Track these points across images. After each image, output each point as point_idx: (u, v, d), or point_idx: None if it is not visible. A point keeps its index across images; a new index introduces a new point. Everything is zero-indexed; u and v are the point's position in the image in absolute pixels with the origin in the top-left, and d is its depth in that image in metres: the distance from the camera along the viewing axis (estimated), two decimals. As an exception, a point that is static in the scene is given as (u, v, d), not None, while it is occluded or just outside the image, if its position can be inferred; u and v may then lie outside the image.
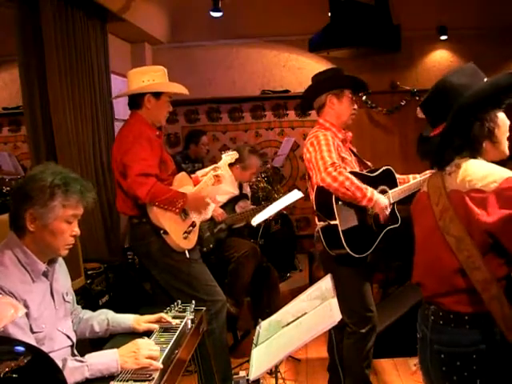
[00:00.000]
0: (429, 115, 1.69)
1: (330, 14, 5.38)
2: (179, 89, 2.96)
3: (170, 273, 2.89)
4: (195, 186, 3.05)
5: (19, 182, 1.83)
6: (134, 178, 2.67)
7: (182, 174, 3.06)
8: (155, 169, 2.75)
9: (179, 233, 2.85)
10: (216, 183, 3.13)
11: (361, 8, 5.35)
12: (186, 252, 2.88)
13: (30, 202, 1.72)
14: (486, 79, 1.61)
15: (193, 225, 2.95)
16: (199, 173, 3.25)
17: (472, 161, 1.57)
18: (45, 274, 1.82)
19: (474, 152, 1.59)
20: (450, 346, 1.56)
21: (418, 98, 6.19)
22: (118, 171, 2.84)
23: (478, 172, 1.52)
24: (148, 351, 1.75)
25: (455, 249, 1.52)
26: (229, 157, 3.33)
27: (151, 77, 2.86)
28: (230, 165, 4.23)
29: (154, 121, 2.91)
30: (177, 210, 2.80)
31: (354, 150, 2.88)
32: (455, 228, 1.52)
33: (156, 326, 2.05)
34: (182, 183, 2.99)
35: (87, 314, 2.11)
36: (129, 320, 2.06)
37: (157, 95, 2.85)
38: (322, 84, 2.79)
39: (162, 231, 2.79)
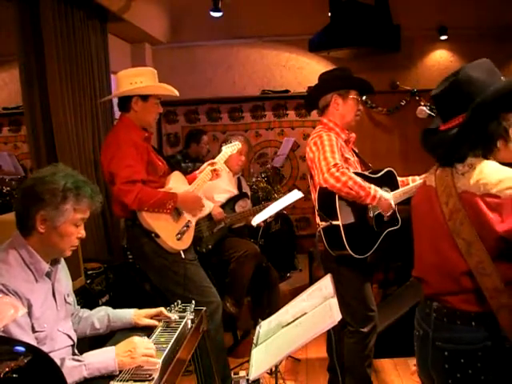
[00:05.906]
0: (442, 108, 1.65)
1: (330, 14, 5.38)
2: (166, 90, 2.91)
3: (165, 274, 2.86)
4: (190, 184, 3.00)
5: (28, 183, 1.81)
6: (119, 186, 2.67)
7: (175, 173, 3.00)
8: (141, 174, 2.72)
9: (171, 234, 2.81)
10: (214, 178, 3.05)
11: (361, 8, 5.35)
12: (181, 252, 2.84)
13: (42, 203, 1.73)
14: (502, 77, 1.59)
15: (187, 224, 2.89)
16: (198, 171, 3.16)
17: (487, 162, 1.54)
18: (48, 275, 1.82)
19: (488, 150, 1.56)
20: (454, 343, 1.55)
21: (418, 98, 6.18)
22: (106, 178, 2.84)
23: (494, 176, 1.49)
24: (144, 349, 1.75)
25: (465, 252, 1.50)
26: (230, 148, 3.18)
27: (139, 79, 2.82)
28: None
29: (143, 123, 2.87)
30: (168, 211, 2.77)
31: (356, 150, 2.88)
32: (466, 231, 1.50)
33: (156, 323, 2.07)
34: (176, 183, 2.94)
35: (86, 312, 2.12)
36: (129, 314, 2.09)
37: (144, 98, 2.82)
38: (329, 83, 2.77)
39: (153, 234, 2.76)
